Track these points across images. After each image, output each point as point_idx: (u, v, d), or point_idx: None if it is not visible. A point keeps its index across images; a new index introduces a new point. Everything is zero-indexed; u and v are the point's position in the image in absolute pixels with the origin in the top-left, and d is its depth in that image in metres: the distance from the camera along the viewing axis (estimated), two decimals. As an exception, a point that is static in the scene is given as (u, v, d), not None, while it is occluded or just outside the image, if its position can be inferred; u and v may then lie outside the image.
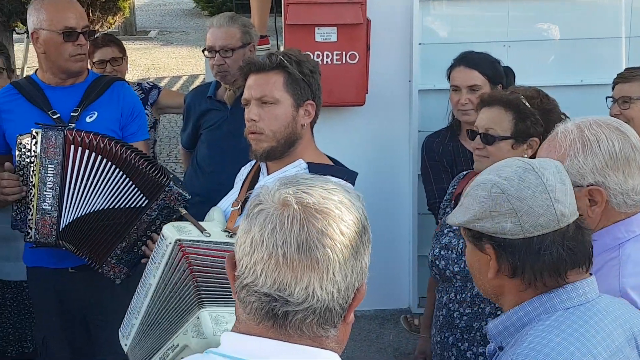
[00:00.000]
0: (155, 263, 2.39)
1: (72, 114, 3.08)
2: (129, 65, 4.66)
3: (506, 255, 1.72)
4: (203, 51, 3.79)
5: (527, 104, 2.79)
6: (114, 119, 3.15)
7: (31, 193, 2.89)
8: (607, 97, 3.64)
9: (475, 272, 1.82)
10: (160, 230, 2.43)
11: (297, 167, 2.50)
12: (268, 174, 2.56)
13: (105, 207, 2.85)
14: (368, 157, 4.44)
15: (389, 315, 4.62)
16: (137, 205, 2.83)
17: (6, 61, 3.76)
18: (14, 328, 3.85)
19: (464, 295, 2.83)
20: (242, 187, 2.64)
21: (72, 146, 2.86)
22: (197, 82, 11.53)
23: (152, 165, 2.86)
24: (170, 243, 2.33)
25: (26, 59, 11.29)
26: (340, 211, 1.32)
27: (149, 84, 4.62)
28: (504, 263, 1.73)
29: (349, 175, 2.50)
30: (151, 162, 2.88)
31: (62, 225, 2.87)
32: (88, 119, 3.10)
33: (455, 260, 2.83)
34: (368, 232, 1.37)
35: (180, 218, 2.73)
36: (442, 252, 2.87)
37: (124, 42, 4.66)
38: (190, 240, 2.33)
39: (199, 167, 3.77)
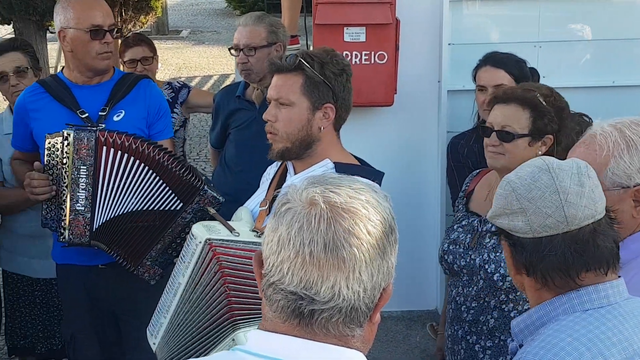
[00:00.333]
0: (184, 262, 2.40)
1: (100, 113, 3.08)
2: (160, 65, 4.69)
3: (517, 253, 1.72)
4: (230, 49, 3.81)
5: (543, 101, 2.77)
6: (141, 117, 3.16)
7: (64, 194, 2.90)
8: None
9: (507, 267, 1.83)
10: (191, 231, 2.45)
11: (324, 166, 2.50)
12: (295, 174, 2.56)
13: (139, 209, 2.87)
14: (396, 157, 4.42)
15: (416, 317, 4.60)
16: (172, 208, 2.84)
17: (32, 60, 3.75)
18: (43, 325, 3.88)
19: (470, 289, 2.84)
20: (269, 186, 2.64)
21: (105, 147, 2.87)
22: (227, 82, 11.56)
23: (185, 167, 2.86)
24: (200, 242, 2.34)
25: (59, 57, 11.41)
26: (367, 211, 1.32)
27: (179, 83, 4.65)
28: (518, 261, 1.73)
29: (376, 175, 2.50)
30: (184, 164, 2.89)
31: (95, 226, 2.89)
32: (115, 118, 3.10)
33: (462, 255, 2.83)
34: (395, 232, 1.37)
35: (209, 217, 2.75)
36: (451, 247, 2.88)
37: (155, 42, 4.70)
38: (220, 240, 2.34)
39: (227, 167, 3.78)
